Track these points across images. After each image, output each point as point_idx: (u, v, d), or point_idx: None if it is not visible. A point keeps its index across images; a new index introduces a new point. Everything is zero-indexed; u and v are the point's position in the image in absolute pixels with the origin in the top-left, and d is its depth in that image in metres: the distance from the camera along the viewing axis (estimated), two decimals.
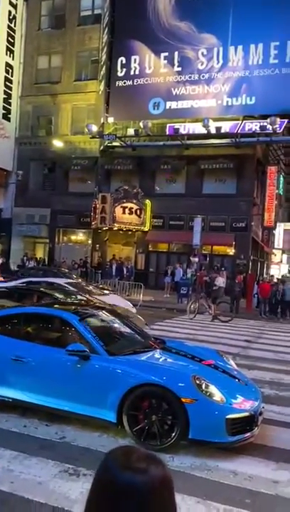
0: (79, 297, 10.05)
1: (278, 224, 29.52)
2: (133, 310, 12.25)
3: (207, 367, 5.33)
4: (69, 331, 5.57)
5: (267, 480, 4.29)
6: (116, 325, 6.05)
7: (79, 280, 16.26)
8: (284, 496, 4.05)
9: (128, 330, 6.01)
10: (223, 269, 20.78)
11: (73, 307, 6.31)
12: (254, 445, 4.90)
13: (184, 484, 4.08)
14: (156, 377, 4.72)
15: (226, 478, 4.25)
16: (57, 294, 9.43)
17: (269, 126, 20.39)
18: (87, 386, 4.94)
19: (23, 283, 11.23)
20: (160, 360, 5.25)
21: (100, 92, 25.20)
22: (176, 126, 22.68)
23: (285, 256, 36.05)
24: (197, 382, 4.66)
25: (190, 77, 23.20)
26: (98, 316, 6.10)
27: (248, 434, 4.74)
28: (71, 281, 13.65)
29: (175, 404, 4.57)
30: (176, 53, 23.31)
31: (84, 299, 9.95)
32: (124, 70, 24.57)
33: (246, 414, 4.75)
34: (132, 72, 24.42)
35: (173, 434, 4.56)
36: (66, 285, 11.95)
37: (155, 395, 4.68)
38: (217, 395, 4.68)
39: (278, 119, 20.09)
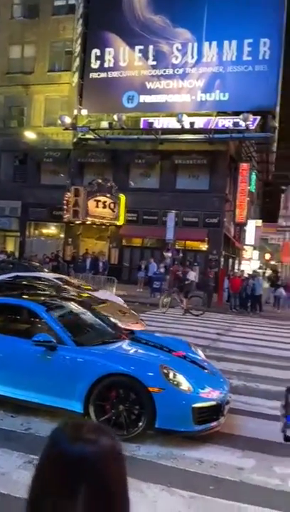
0: (71, 292, 9.82)
1: (249, 221, 29.93)
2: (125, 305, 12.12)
3: (175, 357, 5.34)
4: (36, 321, 5.49)
5: (232, 467, 4.35)
6: (85, 316, 6.00)
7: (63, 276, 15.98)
8: (248, 482, 4.11)
9: (97, 321, 5.96)
10: (196, 264, 20.94)
11: (42, 298, 6.21)
12: (220, 434, 4.96)
13: (150, 473, 4.09)
14: (123, 367, 4.71)
15: (191, 466, 4.28)
16: (48, 289, 9.25)
17: (242, 123, 20.60)
18: (54, 377, 4.88)
19: (9, 277, 10.96)
20: (129, 350, 5.24)
21: (74, 84, 24.89)
22: (150, 120, 22.65)
23: (256, 252, 36.63)
24: (165, 371, 4.67)
25: (164, 72, 23.19)
26: (66, 307, 6.03)
27: (214, 423, 4.79)
28: (60, 276, 13.33)
29: (143, 394, 4.56)
30: (151, 47, 23.24)
31: (75, 293, 9.77)
32: (98, 62, 24.34)
33: (212, 403, 4.79)
34: (106, 65, 24.22)
35: (140, 424, 4.56)
36: (55, 280, 11.69)
37: (122, 385, 4.67)
38: (185, 385, 4.70)
39: (250, 116, 20.32)
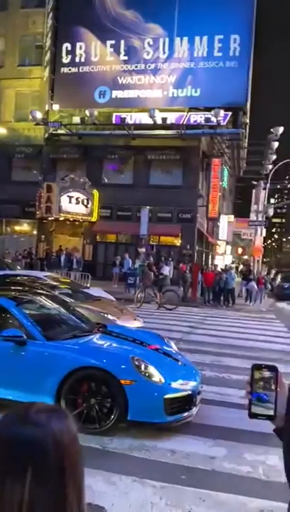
0: (65, 291, 9.67)
1: (222, 216, 30.24)
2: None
3: (147, 349, 5.35)
4: (6, 317, 5.38)
5: (204, 456, 4.39)
6: (55, 310, 5.93)
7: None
8: (220, 471, 4.16)
9: (68, 315, 5.90)
10: (170, 259, 21.03)
11: (12, 293, 6.10)
12: (192, 424, 4.99)
13: (122, 465, 4.09)
14: (95, 360, 4.68)
15: (164, 457, 4.29)
16: (45, 288, 9.10)
17: (213, 119, 20.77)
18: (25, 372, 4.80)
19: None
20: (100, 343, 5.21)
21: (45, 79, 24.56)
22: (123, 115, 22.58)
23: (229, 247, 37.07)
24: (137, 363, 4.66)
25: (136, 67, 23.13)
26: (37, 302, 5.94)
27: (186, 413, 4.81)
28: (49, 274, 13.10)
29: (115, 387, 4.55)
30: (122, 42, 23.13)
31: (70, 291, 9.68)
32: (70, 56, 24.07)
33: (184, 393, 4.81)
34: (78, 60, 23.98)
35: (112, 417, 4.54)
36: (45, 278, 11.51)
37: (94, 378, 4.64)
38: (156, 376, 4.70)
39: (222, 112, 20.50)
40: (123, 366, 4.65)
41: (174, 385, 4.81)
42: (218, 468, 4.20)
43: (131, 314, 9.78)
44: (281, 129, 23.75)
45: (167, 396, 4.62)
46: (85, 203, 23.32)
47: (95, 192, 23.41)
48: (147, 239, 19.98)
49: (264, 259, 53.43)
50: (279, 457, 3.97)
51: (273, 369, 1.18)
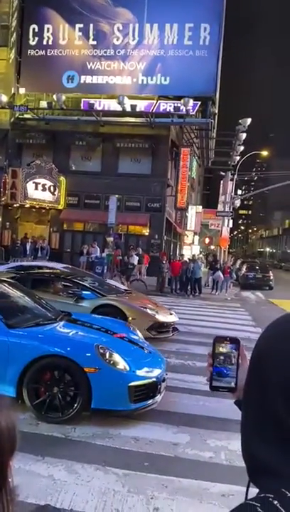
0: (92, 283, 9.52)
1: (190, 207, 30.38)
2: None
3: (111, 337, 5.29)
4: None
5: (167, 443, 4.40)
6: (17, 298, 5.77)
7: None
8: (183, 457, 4.18)
9: (31, 303, 5.76)
10: (131, 247, 20.99)
11: None
12: (157, 411, 4.99)
13: (85, 453, 4.04)
14: (58, 348, 4.59)
15: (127, 445, 4.27)
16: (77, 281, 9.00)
17: (183, 108, 20.70)
18: None
19: (12, 268, 10.31)
20: (64, 331, 5.11)
21: (10, 61, 23.76)
22: (91, 101, 22.17)
23: (197, 237, 37.36)
24: (101, 351, 4.61)
25: (105, 52, 22.70)
26: None
27: (151, 401, 4.80)
28: (66, 265, 12.75)
29: (78, 375, 4.48)
30: (91, 26, 22.63)
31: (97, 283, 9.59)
32: (37, 38, 23.35)
33: (149, 381, 4.80)
34: (45, 42, 23.30)
35: (76, 405, 4.48)
36: (64, 269, 11.22)
37: (57, 367, 4.56)
38: (121, 363, 4.66)
39: (191, 101, 20.44)
40: (87, 354, 4.58)
41: (139, 372, 4.79)
42: (181, 454, 4.22)
43: (164, 308, 9.64)
44: (249, 121, 23.97)
45: (131, 384, 4.59)
46: (52, 189, 22.85)
47: (62, 179, 22.97)
48: (115, 228, 19.82)
49: (231, 250, 54.22)
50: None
51: (235, 341, 1.16)
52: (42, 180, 22.40)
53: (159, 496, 3.43)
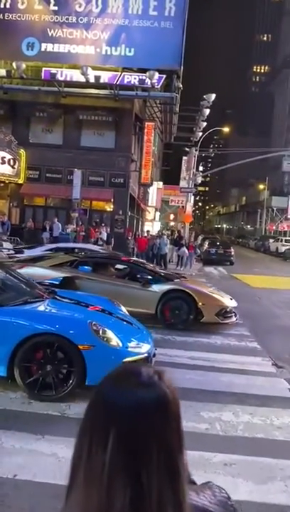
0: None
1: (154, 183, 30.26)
2: None
3: (101, 313, 5.24)
4: None
5: None
6: (3, 277, 5.56)
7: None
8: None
9: (15, 281, 5.57)
10: (103, 224, 20.78)
11: None
12: None
13: None
14: (50, 326, 4.48)
15: None
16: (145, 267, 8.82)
17: (148, 80, 20.33)
18: None
19: (49, 249, 9.78)
20: (54, 309, 5.00)
21: None
22: (53, 70, 21.29)
23: (158, 214, 37.43)
24: (95, 328, 4.55)
25: (67, 19, 21.73)
26: None
27: None
28: (101, 247, 12.31)
29: (72, 352, 4.41)
30: None
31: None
32: None
33: (141, 356, 4.81)
34: (2, 5, 21.95)
35: (70, 382, 4.43)
36: (100, 250, 10.80)
37: (50, 345, 4.46)
38: (114, 340, 4.63)
39: (156, 74, 20.10)
40: (80, 331, 4.51)
41: (131, 348, 4.78)
42: None
43: (223, 293, 9.40)
44: (213, 96, 23.93)
45: (125, 360, 4.58)
46: (11, 163, 21.96)
47: (22, 152, 22.11)
48: (79, 203, 19.45)
49: (190, 226, 54.55)
50: (233, 413, 4.14)
51: None
52: (0, 153, 21.48)
53: None
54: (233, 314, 8.52)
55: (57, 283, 7.35)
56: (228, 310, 8.41)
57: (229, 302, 8.60)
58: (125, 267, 9.06)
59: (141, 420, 0.74)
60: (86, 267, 8.37)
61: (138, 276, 8.45)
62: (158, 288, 8.10)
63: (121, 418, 0.74)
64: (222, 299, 8.57)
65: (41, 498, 2.99)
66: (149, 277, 8.39)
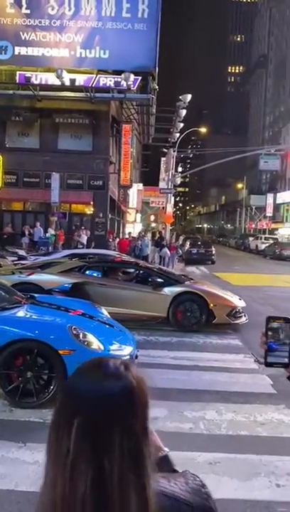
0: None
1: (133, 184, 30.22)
2: None
3: (81, 317, 5.19)
4: None
5: None
6: None
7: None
8: (164, 430, 4.21)
9: None
10: (83, 227, 20.67)
11: None
12: None
13: None
14: (29, 332, 4.42)
15: None
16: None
17: (123, 82, 20.32)
18: None
19: (65, 256, 9.58)
20: (34, 314, 4.93)
21: None
22: (27, 74, 21.09)
23: (139, 215, 37.44)
24: (75, 332, 4.50)
25: (40, 22, 21.55)
26: None
27: None
28: (118, 252, 12.15)
29: (53, 358, 4.36)
30: None
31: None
32: None
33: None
34: None
35: (52, 388, 4.37)
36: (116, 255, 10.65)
37: (29, 351, 4.40)
38: (95, 343, 4.60)
39: (132, 76, 20.11)
40: (60, 336, 4.46)
41: (113, 351, 4.75)
42: (162, 428, 4.26)
43: (231, 293, 9.37)
44: (189, 97, 24.05)
45: None
46: None
47: None
48: (58, 206, 19.30)
49: (171, 227, 54.79)
50: (216, 411, 4.14)
51: (287, 320, 1.22)
52: None
53: None
54: (243, 314, 8.56)
55: (66, 289, 7.38)
56: (238, 310, 8.48)
57: (239, 302, 8.66)
58: (134, 270, 9.03)
59: (105, 409, 0.75)
60: (95, 272, 8.41)
61: (149, 279, 8.45)
62: (169, 291, 8.13)
63: (85, 407, 0.75)
64: (232, 299, 8.64)
65: (23, 506, 2.93)
66: (160, 280, 8.40)
